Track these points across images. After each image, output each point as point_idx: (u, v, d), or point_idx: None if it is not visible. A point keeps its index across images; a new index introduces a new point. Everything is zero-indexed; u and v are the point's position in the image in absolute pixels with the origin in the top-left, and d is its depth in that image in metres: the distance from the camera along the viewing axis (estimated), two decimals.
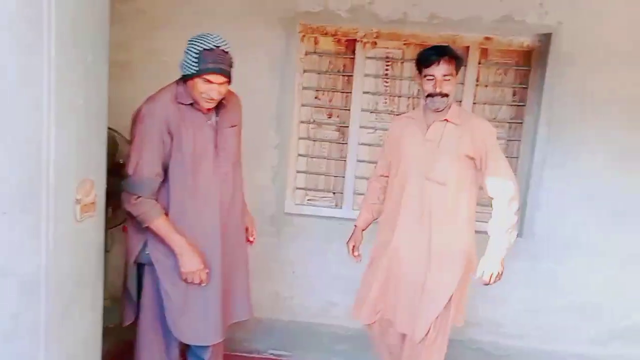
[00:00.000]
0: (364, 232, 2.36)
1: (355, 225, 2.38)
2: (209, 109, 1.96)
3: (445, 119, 2.08)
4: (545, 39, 2.84)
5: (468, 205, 2.11)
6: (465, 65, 2.96)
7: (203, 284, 1.95)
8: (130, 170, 1.90)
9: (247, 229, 2.26)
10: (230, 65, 1.88)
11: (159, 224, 1.90)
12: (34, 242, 1.37)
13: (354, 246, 2.35)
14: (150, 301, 2.02)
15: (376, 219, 2.35)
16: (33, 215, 1.36)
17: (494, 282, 2.07)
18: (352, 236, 2.38)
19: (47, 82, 1.33)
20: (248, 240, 2.28)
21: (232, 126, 2.04)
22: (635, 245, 2.90)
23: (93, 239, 1.61)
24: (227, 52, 1.85)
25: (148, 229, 1.92)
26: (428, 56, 2.04)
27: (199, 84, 1.85)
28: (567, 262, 2.96)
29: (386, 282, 2.18)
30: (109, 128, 2.54)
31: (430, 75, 2.03)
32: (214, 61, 1.81)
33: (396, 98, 3.05)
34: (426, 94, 2.07)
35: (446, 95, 2.04)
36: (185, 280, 1.94)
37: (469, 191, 2.11)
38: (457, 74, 2.08)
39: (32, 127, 1.33)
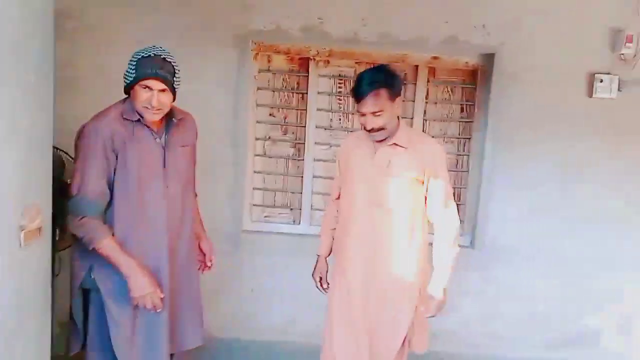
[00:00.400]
0: (327, 259, 2.25)
1: (318, 255, 2.25)
2: (157, 127, 1.91)
3: (393, 143, 1.99)
4: (489, 59, 2.97)
5: (422, 232, 2.03)
6: (415, 84, 3.05)
7: (158, 309, 1.86)
8: (74, 189, 1.83)
9: (204, 254, 2.21)
10: (172, 74, 1.84)
11: (106, 245, 1.81)
12: None
13: (321, 278, 2.22)
14: (97, 328, 1.92)
15: None
16: None
17: (438, 313, 2.01)
18: (316, 267, 2.25)
19: None
20: (206, 266, 2.22)
21: (184, 146, 2.00)
22: (583, 251, 3.03)
23: (39, 265, 1.55)
24: (167, 61, 1.83)
25: (94, 251, 1.83)
26: (356, 91, 1.92)
27: (139, 92, 1.82)
28: (517, 271, 3.06)
29: (344, 325, 2.05)
30: (56, 147, 2.45)
31: (362, 112, 1.93)
32: (151, 67, 1.79)
33: (350, 115, 3.10)
34: (361, 127, 1.98)
35: (381, 128, 1.93)
36: (137, 306, 1.85)
37: (422, 217, 2.02)
38: (395, 98, 1.93)
39: None
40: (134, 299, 1.83)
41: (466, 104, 3.11)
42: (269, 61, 3.06)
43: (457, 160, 3.15)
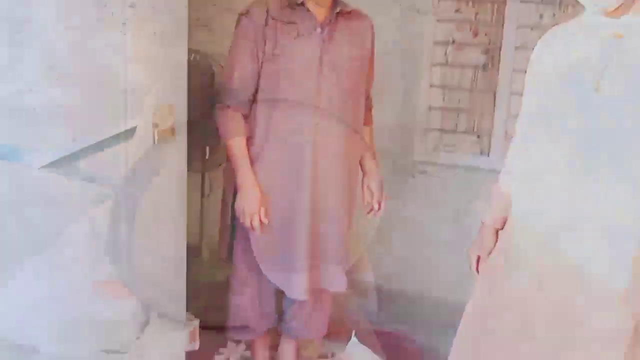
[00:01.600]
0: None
1: (483, 222, 1.83)
2: (322, 17, 2.03)
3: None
4: None
5: None
6: None
7: (256, 233, 2.07)
8: (224, 77, 2.13)
9: (371, 193, 2.30)
10: None
11: (234, 144, 2.06)
12: (115, 162, 1.65)
13: (479, 257, 1.84)
14: (243, 241, 2.18)
15: None
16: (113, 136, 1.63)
17: None
18: (478, 240, 1.84)
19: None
20: (372, 209, 2.31)
21: (349, 45, 2.09)
22: None
23: (173, 163, 1.87)
24: None
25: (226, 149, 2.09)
26: None
27: None
28: None
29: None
30: (206, 55, 2.80)
31: None
32: None
33: (570, 6, 2.83)
34: None
35: None
36: (238, 218, 2.08)
37: None
38: None
39: (109, 54, 1.59)
40: (236, 209, 2.07)
41: None
42: None
43: None
